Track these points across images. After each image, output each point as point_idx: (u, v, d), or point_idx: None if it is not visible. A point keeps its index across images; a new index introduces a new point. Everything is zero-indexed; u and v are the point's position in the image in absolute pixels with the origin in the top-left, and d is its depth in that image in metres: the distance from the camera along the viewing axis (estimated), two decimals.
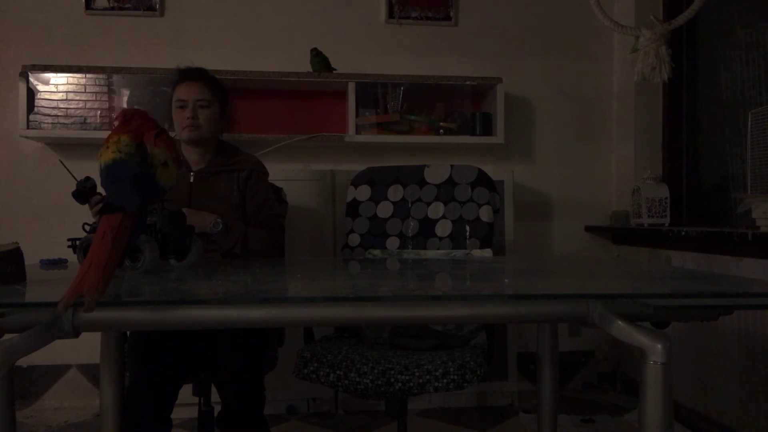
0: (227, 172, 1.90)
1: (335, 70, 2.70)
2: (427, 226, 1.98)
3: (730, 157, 2.51)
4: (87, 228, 1.33)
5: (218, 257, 1.78)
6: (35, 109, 2.59)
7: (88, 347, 2.47)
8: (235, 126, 2.59)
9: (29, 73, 2.55)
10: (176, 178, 1.26)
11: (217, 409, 1.67)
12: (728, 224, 2.45)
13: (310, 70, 2.69)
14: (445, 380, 1.43)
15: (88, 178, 1.70)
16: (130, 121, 1.23)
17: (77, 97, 2.65)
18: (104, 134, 2.62)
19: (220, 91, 1.96)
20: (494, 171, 2.18)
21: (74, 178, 1.70)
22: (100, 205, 1.71)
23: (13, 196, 2.70)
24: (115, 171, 1.16)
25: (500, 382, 2.65)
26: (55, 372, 2.69)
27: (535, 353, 1.64)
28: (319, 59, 2.67)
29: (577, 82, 3.00)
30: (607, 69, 3.02)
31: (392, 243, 1.99)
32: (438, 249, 1.94)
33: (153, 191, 1.21)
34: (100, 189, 1.73)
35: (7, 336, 0.88)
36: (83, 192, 1.69)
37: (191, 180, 1.91)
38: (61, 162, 1.74)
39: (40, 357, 2.55)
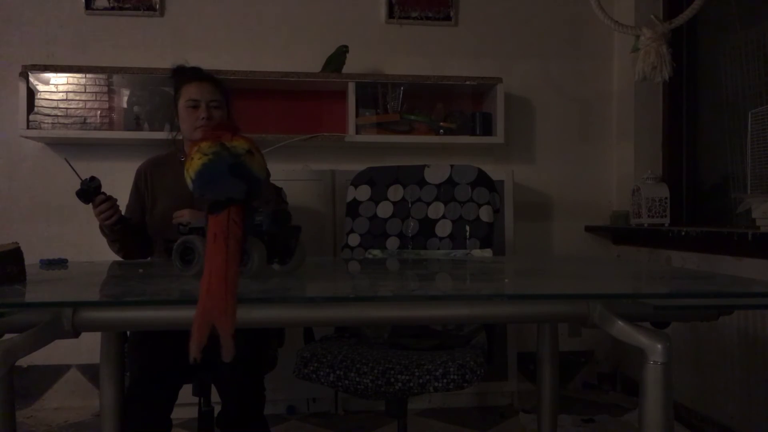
0: None
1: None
2: (427, 226, 1.98)
3: (730, 157, 2.51)
4: (182, 229, 1.24)
5: None
6: (35, 109, 2.59)
7: (88, 347, 2.47)
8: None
9: (29, 73, 2.55)
10: (264, 166, 1.21)
11: (217, 409, 1.67)
12: (728, 224, 2.45)
13: (310, 69, 2.70)
14: (445, 380, 1.43)
15: (93, 178, 1.71)
16: (206, 133, 1.20)
17: (77, 97, 2.65)
18: (104, 134, 2.65)
19: (226, 91, 1.98)
20: (494, 171, 2.18)
21: (79, 177, 1.70)
22: (104, 205, 1.73)
23: (13, 196, 2.70)
24: (210, 170, 1.10)
25: (500, 382, 2.65)
26: (55, 372, 2.69)
27: (535, 353, 1.64)
28: (341, 59, 2.69)
29: (577, 82, 3.00)
30: (607, 69, 3.02)
31: (392, 243, 1.99)
32: (438, 249, 1.94)
33: (251, 180, 1.13)
34: (104, 189, 1.74)
35: (7, 336, 0.88)
36: (87, 191, 1.70)
37: None
38: (67, 161, 1.74)
39: (40, 357, 2.55)
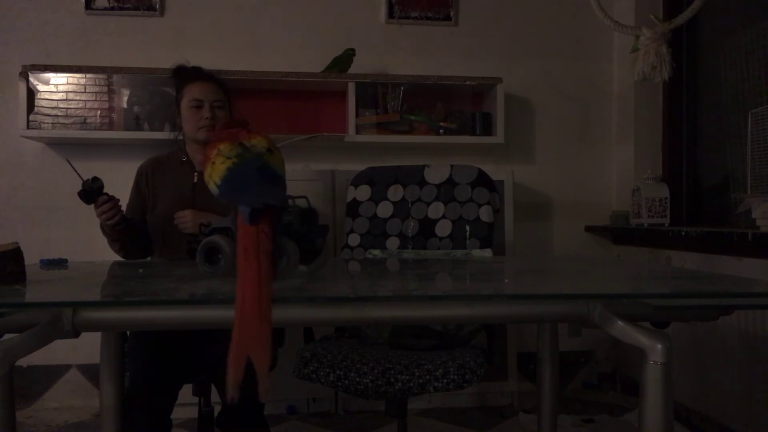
0: None
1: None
2: (427, 226, 1.98)
3: (730, 157, 2.50)
4: (204, 229, 1.19)
5: None
6: (35, 109, 2.58)
7: (88, 347, 2.47)
8: None
9: (29, 73, 2.55)
10: (283, 163, 1.17)
11: (217, 409, 1.67)
12: (728, 224, 2.44)
13: (310, 69, 2.70)
14: (445, 380, 1.43)
15: (96, 179, 1.71)
16: (220, 133, 1.14)
17: (77, 97, 2.65)
18: (104, 134, 2.65)
19: (228, 91, 1.98)
20: (494, 171, 2.18)
21: (80, 177, 1.70)
22: (106, 206, 1.72)
23: (13, 196, 2.70)
24: (238, 176, 1.04)
25: (500, 382, 2.65)
26: (55, 372, 2.69)
27: (535, 353, 1.64)
28: (348, 62, 2.70)
29: (577, 82, 3.00)
30: (607, 69, 3.02)
31: (392, 243, 1.99)
32: (438, 249, 1.94)
33: (278, 182, 1.09)
34: (107, 189, 1.74)
35: (7, 336, 0.88)
36: (90, 192, 1.70)
37: (195, 180, 1.91)
38: (68, 161, 1.74)
39: (40, 357, 2.55)
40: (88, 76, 2.64)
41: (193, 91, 1.89)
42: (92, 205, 1.74)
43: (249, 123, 1.16)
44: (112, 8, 2.76)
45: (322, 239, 1.20)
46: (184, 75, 1.95)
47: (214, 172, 1.05)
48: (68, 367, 2.70)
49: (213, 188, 1.06)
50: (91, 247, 2.47)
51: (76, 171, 1.71)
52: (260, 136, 1.11)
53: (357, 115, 2.71)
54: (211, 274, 1.12)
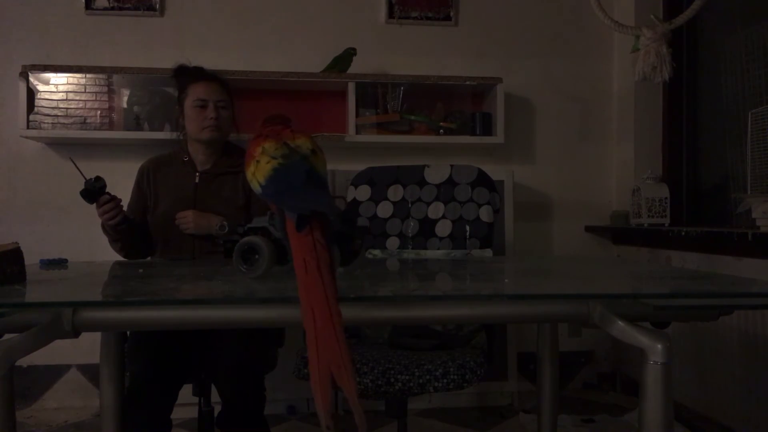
0: (232, 173, 1.90)
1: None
2: (427, 226, 1.98)
3: (730, 157, 2.51)
4: (240, 230, 1.16)
5: (222, 259, 1.78)
6: (35, 109, 2.58)
7: (88, 347, 2.46)
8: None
9: (29, 73, 2.55)
10: (326, 164, 1.10)
11: (217, 409, 1.67)
12: (728, 224, 2.45)
13: (310, 69, 2.70)
14: (445, 380, 1.43)
15: (98, 178, 1.71)
16: (263, 130, 1.10)
17: (77, 97, 2.65)
18: (104, 134, 2.64)
19: (231, 91, 1.98)
20: (494, 171, 2.17)
21: (83, 177, 1.70)
22: (108, 205, 1.72)
23: (13, 196, 2.70)
24: (284, 177, 0.99)
25: (500, 382, 2.65)
26: (55, 372, 2.69)
27: (535, 353, 1.64)
28: (348, 61, 2.70)
29: (577, 82, 3.00)
30: (607, 69, 3.02)
31: (392, 243, 1.99)
32: (438, 249, 1.94)
33: (324, 187, 1.04)
34: (109, 189, 1.74)
35: (7, 336, 0.88)
36: (92, 191, 1.70)
37: (196, 180, 1.91)
38: (72, 161, 1.74)
39: (40, 357, 2.54)
40: (88, 76, 2.64)
41: (198, 91, 1.89)
42: (94, 205, 1.74)
43: (291, 120, 1.12)
44: (112, 8, 2.76)
45: (361, 240, 1.18)
46: (187, 74, 1.95)
47: (258, 171, 1.02)
48: (68, 367, 2.70)
49: (256, 187, 1.03)
50: (91, 247, 2.47)
51: (79, 170, 1.71)
52: (305, 136, 1.07)
53: (357, 115, 2.71)
54: (248, 274, 1.10)
